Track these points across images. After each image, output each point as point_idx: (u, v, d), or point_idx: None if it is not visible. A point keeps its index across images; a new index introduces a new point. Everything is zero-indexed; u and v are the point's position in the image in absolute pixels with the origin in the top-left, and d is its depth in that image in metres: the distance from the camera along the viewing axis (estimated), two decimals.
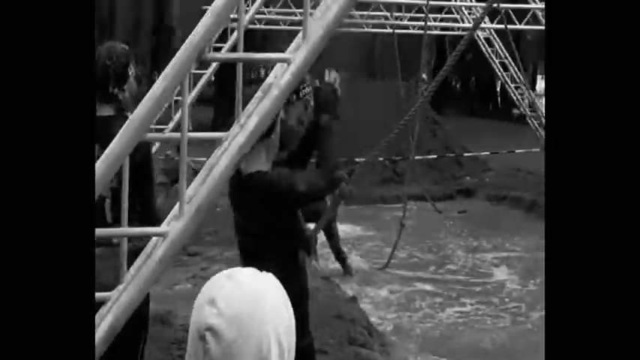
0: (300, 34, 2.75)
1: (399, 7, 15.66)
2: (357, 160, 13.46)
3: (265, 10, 14.16)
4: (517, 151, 16.32)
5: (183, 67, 2.60)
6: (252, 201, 3.47)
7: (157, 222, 3.05)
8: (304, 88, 4.03)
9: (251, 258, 3.42)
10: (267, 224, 3.49)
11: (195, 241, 8.83)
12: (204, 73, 11.75)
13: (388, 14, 15.50)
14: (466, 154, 16.22)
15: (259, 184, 3.44)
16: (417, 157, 14.65)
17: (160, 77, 2.58)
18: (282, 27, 15.02)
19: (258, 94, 2.81)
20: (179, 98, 9.42)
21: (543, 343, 1.88)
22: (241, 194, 3.53)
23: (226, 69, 16.26)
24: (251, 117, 2.74)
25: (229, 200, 3.62)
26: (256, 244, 3.52)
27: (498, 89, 32.82)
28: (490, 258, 9.96)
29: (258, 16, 13.16)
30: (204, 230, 9.28)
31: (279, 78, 2.76)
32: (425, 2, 14.46)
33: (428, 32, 11.74)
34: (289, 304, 1.42)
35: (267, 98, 2.75)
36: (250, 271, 1.43)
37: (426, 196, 12.99)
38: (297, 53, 2.73)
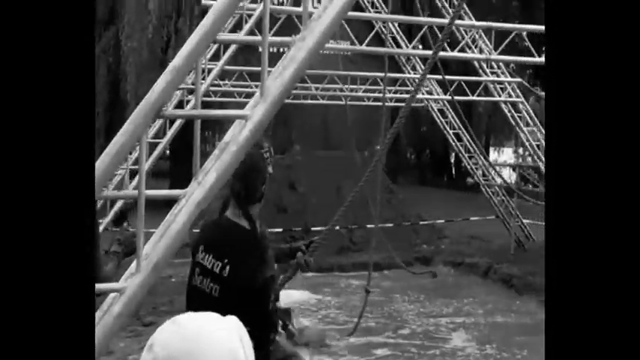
0: (258, 92, 2.82)
1: (353, 79, 16.01)
2: (313, 229, 13.55)
3: (221, 82, 14.36)
4: (472, 218, 16.57)
5: (142, 122, 2.63)
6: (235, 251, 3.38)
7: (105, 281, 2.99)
8: (264, 152, 4.08)
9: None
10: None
11: (150, 311, 8.71)
12: (159, 142, 11.78)
13: (343, 86, 15.82)
14: (422, 222, 16.38)
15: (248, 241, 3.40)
16: (373, 226, 14.77)
17: (118, 133, 2.60)
18: (238, 99, 15.20)
19: (216, 151, 2.85)
20: (136, 167, 9.40)
21: None
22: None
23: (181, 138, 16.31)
24: (209, 173, 2.77)
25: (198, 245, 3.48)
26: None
27: (452, 160, 33.47)
28: (446, 322, 9.99)
29: (213, 89, 13.33)
30: (159, 300, 9.18)
31: (238, 134, 2.80)
32: (382, 75, 14.93)
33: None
34: (249, 345, 1.40)
35: (226, 154, 2.78)
36: (199, 314, 1.40)
37: (398, 261, 13.08)
38: (255, 110, 2.79)
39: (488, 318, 9.94)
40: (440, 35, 11.22)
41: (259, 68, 2.79)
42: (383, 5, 14.88)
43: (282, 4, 16.76)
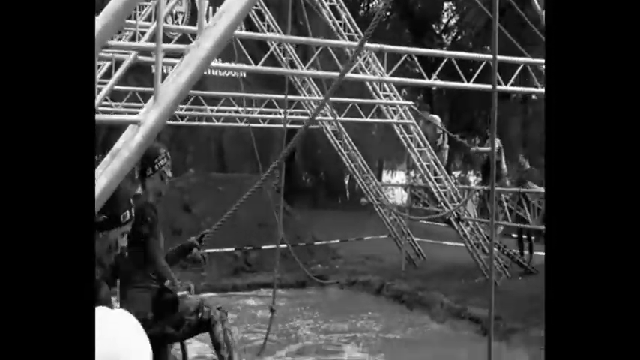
0: (152, 98, 2.82)
1: (249, 101, 16.08)
2: (208, 250, 13.44)
3: (112, 103, 14.10)
4: (365, 237, 16.89)
5: None
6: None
7: None
8: (160, 160, 4.09)
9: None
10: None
11: None
12: None
13: (239, 108, 15.86)
14: (317, 243, 16.55)
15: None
16: (267, 247, 14.82)
17: None
18: None
19: (107, 158, 2.83)
20: None
21: None
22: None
23: None
24: (99, 178, 2.74)
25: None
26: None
27: (347, 182, 33.97)
28: (339, 338, 10.13)
29: (104, 108, 13.05)
30: None
31: (130, 140, 2.79)
32: (277, 96, 15.10)
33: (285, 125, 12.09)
34: (135, 338, 1.46)
35: (117, 159, 2.77)
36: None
37: (308, 274, 13.26)
38: (148, 115, 2.79)
39: (381, 333, 10.15)
40: (334, 56, 11.50)
41: (152, 88, 2.80)
42: (278, 27, 15.07)
43: (177, 23, 16.65)
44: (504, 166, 14.62)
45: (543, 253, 14.24)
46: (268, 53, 10.25)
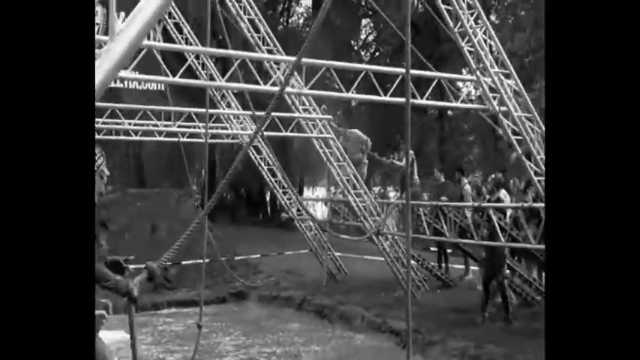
0: None
1: (167, 116, 15.84)
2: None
3: None
4: (286, 252, 16.84)
5: None
6: None
7: None
8: (97, 159, 4.05)
9: None
10: None
11: None
12: None
13: (157, 122, 15.60)
14: (237, 258, 16.40)
15: None
16: (188, 262, 14.60)
17: None
18: None
19: None
20: None
21: None
22: None
23: None
24: None
25: None
26: None
27: (268, 199, 33.89)
28: (262, 353, 10.03)
29: None
30: None
31: None
32: (196, 110, 14.91)
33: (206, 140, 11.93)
34: None
35: None
36: None
37: (238, 278, 13.14)
38: None
39: (302, 347, 10.11)
40: (254, 70, 11.45)
41: None
42: (196, 39, 14.93)
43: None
44: (416, 177, 14.87)
45: (461, 266, 14.54)
46: (186, 65, 10.12)
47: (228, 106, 16.13)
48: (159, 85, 14.22)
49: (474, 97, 24.69)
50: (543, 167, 9.40)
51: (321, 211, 24.50)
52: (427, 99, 11.39)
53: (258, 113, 11.52)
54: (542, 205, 9.58)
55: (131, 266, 4.78)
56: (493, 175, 12.41)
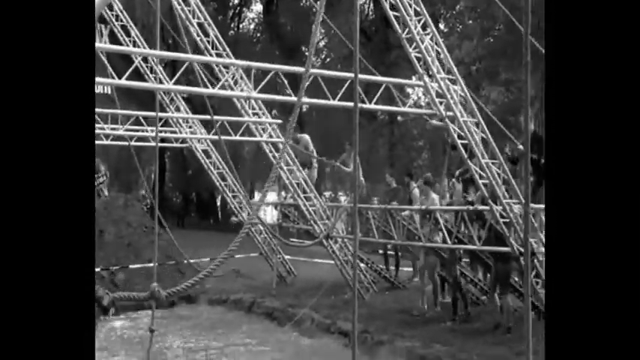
0: None
1: (114, 119, 15.68)
2: None
3: None
4: (236, 256, 16.78)
5: None
6: None
7: None
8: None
9: None
10: None
11: None
12: None
13: (104, 125, 15.44)
14: (186, 262, 16.30)
15: None
16: (136, 266, 14.49)
17: None
18: None
19: None
20: None
21: None
22: None
23: None
24: None
25: None
26: None
27: (219, 203, 33.77)
28: (208, 355, 10.03)
29: None
30: None
31: None
32: (145, 113, 14.80)
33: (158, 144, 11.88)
34: None
35: None
36: None
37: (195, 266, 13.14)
38: None
39: (252, 348, 10.13)
40: (202, 74, 11.43)
41: None
42: (144, 42, 14.83)
43: None
44: (362, 179, 15.01)
45: (410, 269, 14.73)
46: (133, 67, 10.04)
47: (177, 110, 16.05)
48: (105, 87, 14.11)
49: (423, 103, 25.09)
50: (488, 171, 9.61)
51: (271, 215, 24.47)
52: (376, 103, 11.54)
53: (206, 118, 11.50)
54: (487, 207, 9.80)
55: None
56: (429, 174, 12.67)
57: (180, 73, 10.06)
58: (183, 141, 16.89)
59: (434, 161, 26.94)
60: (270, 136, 14.53)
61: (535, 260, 9.27)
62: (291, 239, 15.05)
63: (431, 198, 11.62)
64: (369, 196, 16.52)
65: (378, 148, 28.24)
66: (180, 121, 15.87)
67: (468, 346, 9.43)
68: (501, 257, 10.10)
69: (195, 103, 20.91)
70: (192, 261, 15.46)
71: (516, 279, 10.87)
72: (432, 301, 11.66)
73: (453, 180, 12.41)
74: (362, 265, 13.74)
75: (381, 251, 15.74)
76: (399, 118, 27.30)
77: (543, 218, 10.41)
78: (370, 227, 13.14)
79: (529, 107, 4.13)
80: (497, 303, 10.44)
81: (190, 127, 16.06)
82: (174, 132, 16.15)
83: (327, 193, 28.94)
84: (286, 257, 15.92)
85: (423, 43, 9.63)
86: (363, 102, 10.87)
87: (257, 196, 35.11)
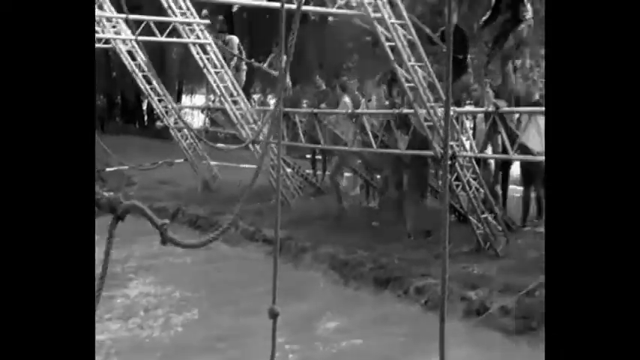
0: None
1: None
2: None
3: None
4: (160, 162, 16.39)
5: None
6: None
7: None
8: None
9: None
10: None
11: None
12: None
13: None
14: (108, 169, 15.87)
15: None
16: None
17: None
18: None
19: None
20: None
21: None
22: None
23: None
24: None
25: None
26: None
27: (145, 107, 32.88)
28: (126, 267, 9.89)
29: None
30: None
31: None
32: None
33: None
34: None
35: None
36: None
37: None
38: None
39: (171, 258, 9.94)
40: None
41: None
42: None
43: None
44: (288, 80, 14.67)
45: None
46: None
47: (100, 8, 15.15)
48: None
49: (354, 4, 24.47)
50: (413, 74, 9.42)
51: (198, 120, 23.98)
52: (306, 4, 11.10)
53: (132, 17, 10.85)
54: (412, 111, 9.67)
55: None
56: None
57: None
58: (107, 41, 16.03)
59: (363, 64, 26.62)
60: (198, 38, 13.90)
61: (456, 163, 9.21)
62: (218, 145, 14.70)
63: (343, 102, 11.58)
64: (299, 100, 16.21)
65: (309, 50, 27.69)
66: (104, 20, 14.98)
67: (389, 250, 9.48)
68: (418, 161, 10.11)
69: (120, 2, 19.87)
70: (113, 168, 15.05)
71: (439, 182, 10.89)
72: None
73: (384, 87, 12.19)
74: (288, 170, 13.56)
75: (308, 156, 15.59)
76: (329, 18, 26.67)
77: (466, 122, 10.37)
78: (297, 132, 12.93)
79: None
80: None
81: (114, 26, 15.21)
82: (97, 32, 15.29)
83: (256, 96, 28.42)
84: (212, 163, 15.59)
85: None
86: (290, 2, 10.41)
87: (185, 99, 34.35)
